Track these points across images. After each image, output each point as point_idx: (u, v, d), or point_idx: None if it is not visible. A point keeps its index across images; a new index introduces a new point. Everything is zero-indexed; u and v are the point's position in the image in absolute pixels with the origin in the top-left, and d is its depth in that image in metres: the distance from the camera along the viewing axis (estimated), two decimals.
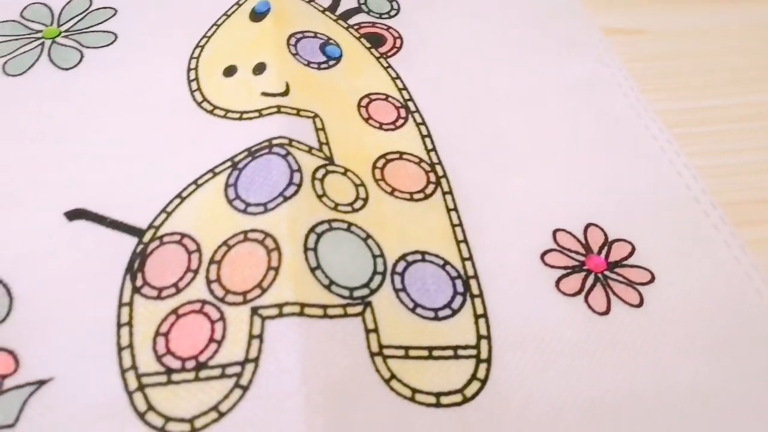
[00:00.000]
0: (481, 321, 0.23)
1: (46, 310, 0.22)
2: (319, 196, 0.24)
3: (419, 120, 0.29)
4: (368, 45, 0.33)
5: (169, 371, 0.20)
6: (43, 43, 0.31)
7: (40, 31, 0.32)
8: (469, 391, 0.21)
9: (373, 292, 0.22)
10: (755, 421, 0.21)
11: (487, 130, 0.29)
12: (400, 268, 0.24)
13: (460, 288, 0.23)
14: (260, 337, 0.20)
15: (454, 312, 0.23)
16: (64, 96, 0.29)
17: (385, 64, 0.32)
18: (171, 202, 0.25)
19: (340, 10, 0.34)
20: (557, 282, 0.24)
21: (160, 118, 0.28)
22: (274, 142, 0.26)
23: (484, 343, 0.22)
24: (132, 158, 0.26)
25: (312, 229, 0.23)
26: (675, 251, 0.25)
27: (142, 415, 0.19)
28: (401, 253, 0.24)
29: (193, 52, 0.31)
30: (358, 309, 0.22)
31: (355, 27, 0.33)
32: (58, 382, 0.20)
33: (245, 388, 0.19)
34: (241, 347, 0.20)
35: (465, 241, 0.25)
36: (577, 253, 0.25)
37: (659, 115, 0.31)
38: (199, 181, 0.25)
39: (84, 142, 0.27)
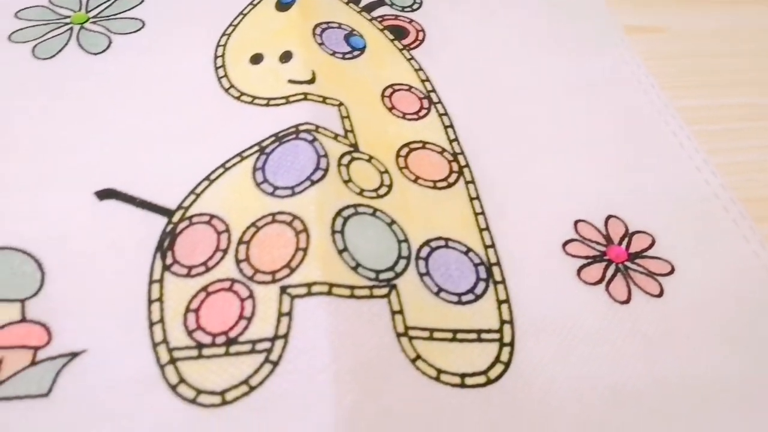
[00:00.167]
0: (504, 306, 0.23)
1: (77, 285, 0.22)
2: (345, 182, 0.25)
3: (442, 111, 0.30)
4: (391, 37, 0.33)
5: (200, 346, 0.20)
6: (71, 29, 0.32)
7: (69, 17, 0.33)
8: (493, 373, 0.21)
9: (398, 275, 0.23)
10: None
11: (508, 123, 0.30)
12: (424, 253, 0.24)
13: (482, 274, 0.24)
14: (289, 314, 0.21)
15: (477, 297, 0.23)
16: (93, 79, 0.29)
17: (408, 56, 0.32)
18: (199, 184, 0.25)
19: (363, 3, 0.34)
20: (578, 271, 0.24)
21: (188, 102, 0.28)
22: (301, 128, 0.26)
23: (507, 327, 0.22)
24: (161, 141, 0.27)
25: (339, 213, 0.23)
26: (695, 244, 0.26)
27: (173, 387, 0.20)
28: (425, 238, 0.24)
29: (219, 40, 0.31)
30: (384, 291, 0.22)
31: (378, 19, 0.34)
32: (90, 354, 0.20)
33: (275, 363, 0.20)
34: (271, 324, 0.21)
35: (487, 229, 0.25)
36: (598, 243, 0.25)
37: (678, 113, 0.31)
38: (227, 165, 0.26)
39: (113, 125, 0.27)
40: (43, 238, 0.23)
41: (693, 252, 0.25)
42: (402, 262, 0.23)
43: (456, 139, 0.28)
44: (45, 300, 0.22)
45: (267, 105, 0.28)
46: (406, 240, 0.24)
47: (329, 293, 0.21)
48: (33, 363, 0.20)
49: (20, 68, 0.30)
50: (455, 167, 0.27)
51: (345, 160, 0.25)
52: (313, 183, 0.24)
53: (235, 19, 0.32)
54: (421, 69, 0.31)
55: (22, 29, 0.32)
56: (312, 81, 0.28)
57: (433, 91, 0.31)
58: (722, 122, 0.32)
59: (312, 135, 0.26)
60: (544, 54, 0.33)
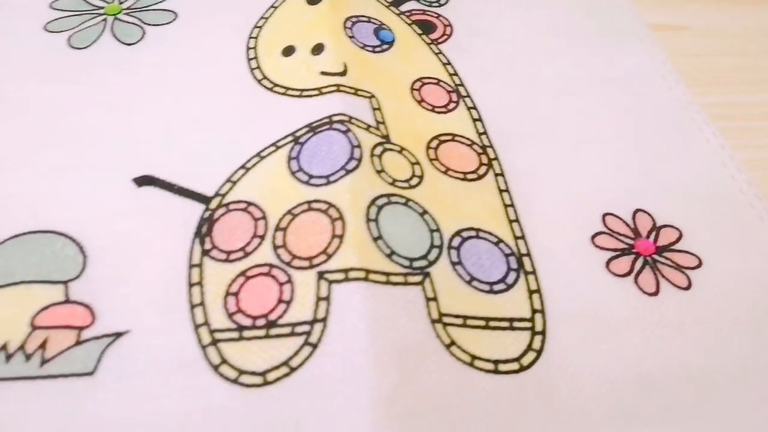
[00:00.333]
0: (535, 296, 0.23)
1: (119, 268, 0.23)
2: (378, 172, 0.25)
3: (470, 104, 0.30)
4: (419, 31, 0.33)
5: (241, 328, 0.21)
6: (105, 19, 0.33)
7: (102, 8, 0.33)
8: (526, 360, 0.22)
9: (431, 263, 0.23)
10: None
11: (535, 116, 0.30)
12: (455, 243, 0.24)
13: (513, 264, 0.24)
14: (327, 299, 0.21)
15: (509, 287, 0.24)
16: (129, 69, 0.30)
17: (436, 50, 0.33)
18: (235, 172, 0.26)
19: None
20: (607, 263, 0.25)
21: (222, 93, 0.29)
22: (335, 118, 0.26)
23: (538, 316, 0.23)
24: (196, 131, 0.27)
25: (373, 202, 0.24)
26: (721, 239, 0.26)
27: (215, 368, 0.20)
28: (456, 229, 0.25)
29: (251, 32, 0.32)
30: (418, 278, 0.22)
31: (406, 13, 0.34)
32: (134, 335, 0.21)
33: (315, 346, 0.20)
34: (309, 308, 0.21)
35: (517, 220, 0.26)
36: (626, 236, 0.26)
37: (702, 110, 0.31)
38: (263, 154, 0.26)
39: (149, 114, 0.28)
40: (83, 222, 0.24)
41: (720, 246, 0.26)
42: (435, 251, 0.24)
43: (485, 132, 0.29)
44: (87, 282, 0.22)
45: (300, 96, 0.28)
46: (438, 229, 0.24)
47: (366, 279, 0.21)
48: (78, 342, 0.21)
49: (57, 57, 0.30)
50: (484, 160, 0.28)
51: (377, 151, 0.26)
52: (348, 172, 0.24)
53: (267, 11, 0.33)
54: (449, 63, 0.32)
55: (57, 19, 0.32)
56: (344, 73, 0.28)
57: (461, 84, 0.31)
58: (746, 119, 0.32)
59: (345, 126, 0.26)
60: (569, 49, 0.33)
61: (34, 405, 0.20)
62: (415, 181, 0.26)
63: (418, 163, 0.27)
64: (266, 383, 0.20)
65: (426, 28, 0.34)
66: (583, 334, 0.23)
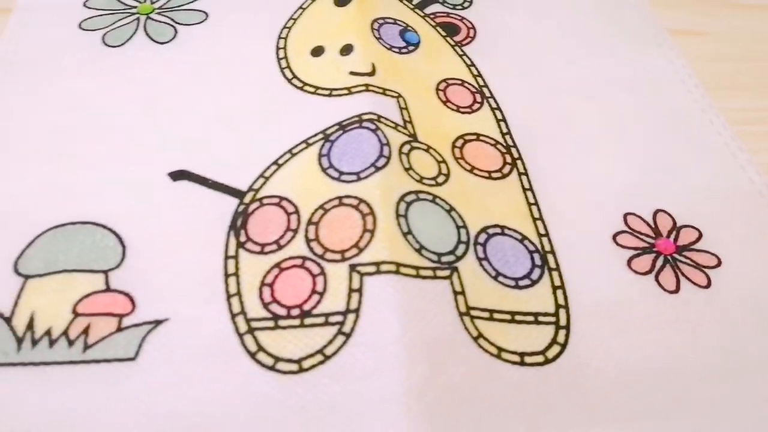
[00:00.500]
0: (559, 292, 0.24)
1: (157, 258, 0.24)
2: (406, 169, 0.26)
3: (494, 105, 0.31)
4: (444, 33, 0.34)
5: (276, 317, 0.22)
6: (138, 18, 0.33)
7: (135, 7, 0.34)
8: (551, 353, 0.22)
9: (458, 258, 0.24)
10: None
11: (558, 118, 0.31)
12: (481, 239, 0.25)
13: (538, 261, 0.25)
14: (359, 291, 0.22)
15: (534, 282, 0.24)
16: (162, 67, 0.31)
17: (460, 52, 0.33)
18: (268, 168, 0.26)
19: (416, 0, 0.36)
20: (629, 261, 0.25)
21: (253, 91, 0.30)
22: (364, 117, 0.27)
23: (562, 311, 0.24)
24: (228, 128, 0.28)
25: (402, 198, 0.25)
26: (741, 240, 0.27)
27: (252, 355, 0.21)
28: (482, 225, 0.25)
29: (280, 33, 0.33)
30: (446, 273, 0.23)
31: (431, 16, 0.35)
32: (173, 323, 0.22)
33: (348, 335, 0.21)
34: (342, 299, 0.22)
35: (541, 218, 0.26)
36: (647, 235, 0.26)
37: (721, 113, 0.32)
38: (294, 151, 0.27)
39: (183, 110, 0.29)
40: (121, 214, 0.25)
41: (740, 247, 0.26)
42: (461, 247, 0.24)
43: (508, 132, 0.30)
44: (127, 271, 0.23)
45: (330, 95, 0.29)
46: (464, 226, 0.25)
47: (397, 272, 0.22)
48: (119, 329, 0.22)
49: (92, 54, 0.31)
50: (508, 159, 0.28)
51: (405, 149, 0.27)
52: (378, 169, 0.25)
53: (295, 12, 0.34)
54: (473, 65, 0.33)
55: (92, 17, 0.33)
56: (372, 73, 0.29)
57: (485, 86, 0.32)
58: (764, 123, 0.33)
59: (374, 124, 0.27)
60: (590, 51, 0.34)
61: (77, 388, 0.21)
62: (441, 179, 0.26)
63: (444, 161, 0.27)
64: (302, 370, 0.21)
65: (450, 30, 0.34)
66: (606, 329, 0.23)
